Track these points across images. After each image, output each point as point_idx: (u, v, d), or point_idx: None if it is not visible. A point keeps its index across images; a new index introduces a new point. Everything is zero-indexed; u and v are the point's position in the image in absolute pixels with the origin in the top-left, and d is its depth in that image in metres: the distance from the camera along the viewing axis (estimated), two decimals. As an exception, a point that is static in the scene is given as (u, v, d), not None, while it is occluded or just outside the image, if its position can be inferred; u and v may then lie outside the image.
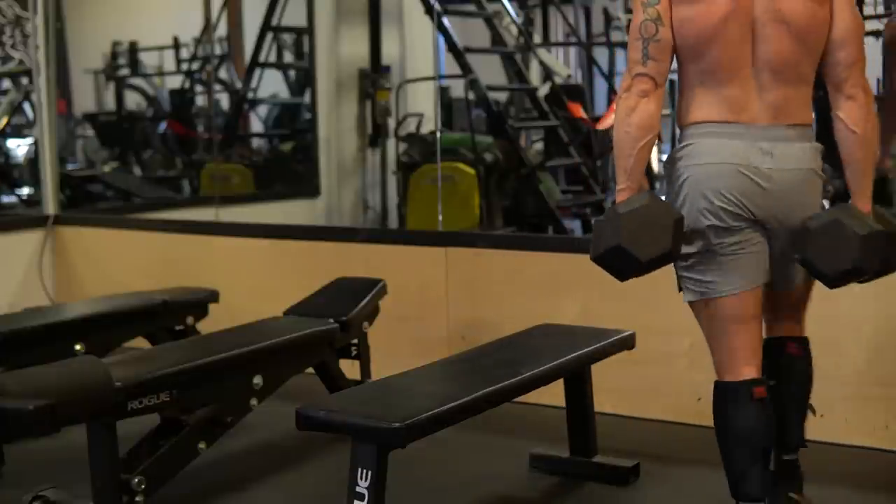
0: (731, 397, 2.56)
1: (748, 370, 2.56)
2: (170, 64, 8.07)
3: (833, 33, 2.57)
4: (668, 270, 2.60)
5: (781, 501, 2.66)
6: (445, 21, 6.49)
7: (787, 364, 2.71)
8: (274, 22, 7.38)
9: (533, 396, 3.14)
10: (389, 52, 7.50)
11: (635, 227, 2.44)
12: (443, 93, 7.41)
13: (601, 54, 9.00)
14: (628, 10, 9.21)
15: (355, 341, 3.81)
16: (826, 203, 2.74)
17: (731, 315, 2.56)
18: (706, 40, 2.53)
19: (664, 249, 2.45)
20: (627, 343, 3.34)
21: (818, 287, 3.51)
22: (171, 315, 4.11)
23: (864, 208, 2.62)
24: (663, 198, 2.63)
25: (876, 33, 5.68)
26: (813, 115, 2.65)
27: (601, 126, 6.93)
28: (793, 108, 2.59)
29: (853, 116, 2.59)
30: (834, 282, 2.58)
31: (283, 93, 8.06)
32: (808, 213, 2.57)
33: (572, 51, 10.07)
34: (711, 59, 2.54)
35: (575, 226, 6.51)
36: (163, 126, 8.04)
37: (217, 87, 7.83)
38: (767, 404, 2.55)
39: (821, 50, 2.57)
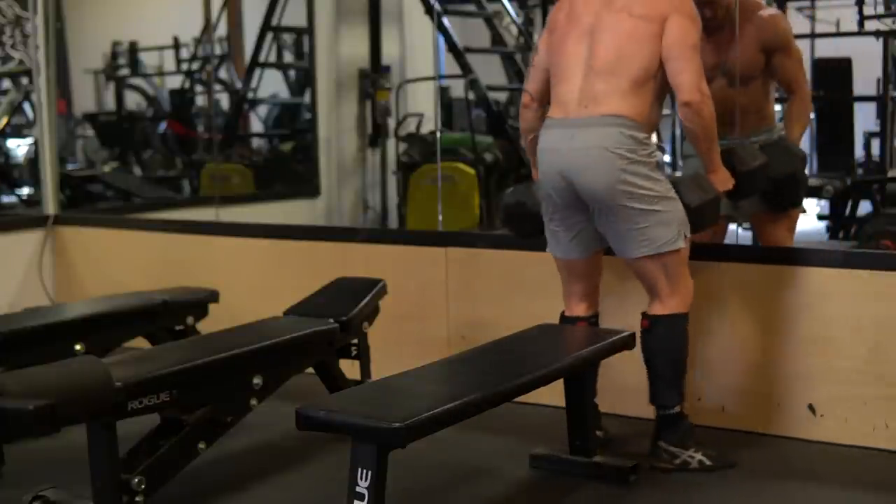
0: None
1: (578, 309, 3.51)
2: (170, 64, 8.07)
3: (663, 50, 3.18)
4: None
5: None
6: (445, 21, 6.49)
7: (641, 338, 3.34)
8: (274, 22, 7.38)
9: (533, 396, 3.14)
10: (389, 52, 7.50)
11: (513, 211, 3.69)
12: (443, 93, 7.41)
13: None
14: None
15: (355, 341, 3.80)
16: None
17: (563, 269, 3.49)
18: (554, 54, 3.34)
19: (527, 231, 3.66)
20: (627, 343, 3.34)
21: (819, 287, 3.53)
22: (171, 315, 4.11)
23: (712, 177, 3.33)
24: None
25: (876, 33, 5.68)
26: (632, 107, 3.18)
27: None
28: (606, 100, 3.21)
29: (685, 118, 3.20)
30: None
31: (283, 93, 8.06)
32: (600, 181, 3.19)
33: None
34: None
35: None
36: (163, 126, 8.04)
37: (217, 87, 7.83)
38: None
39: (642, 56, 3.19)
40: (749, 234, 4.16)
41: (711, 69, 3.59)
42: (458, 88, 7.30)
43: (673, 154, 8.25)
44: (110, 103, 7.91)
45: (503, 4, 7.20)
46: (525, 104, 3.51)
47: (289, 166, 7.64)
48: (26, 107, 6.63)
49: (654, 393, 3.35)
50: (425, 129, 7.10)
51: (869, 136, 6.43)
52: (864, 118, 6.27)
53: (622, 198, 3.16)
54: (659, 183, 3.19)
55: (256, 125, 8.14)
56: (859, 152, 6.38)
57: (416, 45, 7.56)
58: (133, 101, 8.07)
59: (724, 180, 3.34)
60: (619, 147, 3.15)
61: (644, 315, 3.34)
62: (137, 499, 2.90)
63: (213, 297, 4.26)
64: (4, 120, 6.60)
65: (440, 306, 4.29)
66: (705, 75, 3.27)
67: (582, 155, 3.19)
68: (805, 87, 3.91)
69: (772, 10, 4.00)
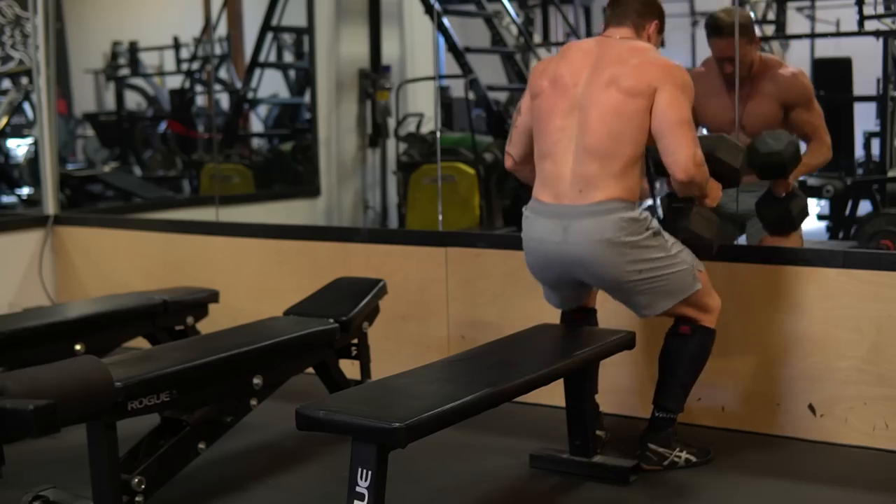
0: None
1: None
2: (170, 64, 8.08)
3: (653, 126, 3.10)
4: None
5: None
6: (445, 21, 6.49)
7: (671, 341, 3.35)
8: (274, 22, 7.38)
9: (533, 396, 3.14)
10: (389, 52, 7.50)
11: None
12: (443, 93, 7.41)
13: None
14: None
15: (355, 341, 3.80)
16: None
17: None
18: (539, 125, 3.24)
19: None
20: (627, 343, 3.34)
21: (818, 287, 3.53)
22: (171, 315, 4.10)
23: (706, 202, 3.29)
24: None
25: (876, 33, 5.68)
26: (626, 188, 3.12)
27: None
28: (599, 185, 3.11)
29: (680, 190, 3.20)
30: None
31: (283, 93, 8.06)
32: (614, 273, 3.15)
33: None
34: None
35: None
36: (163, 126, 8.04)
37: (217, 87, 7.83)
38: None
39: (633, 135, 3.10)
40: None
41: (730, 122, 3.87)
42: (458, 88, 7.30)
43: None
44: (110, 103, 7.91)
45: (503, 4, 7.20)
46: (510, 167, 3.44)
47: (289, 166, 7.64)
48: (26, 107, 6.64)
49: (663, 395, 3.34)
50: (425, 129, 7.10)
51: (869, 136, 6.43)
52: (864, 118, 6.27)
53: (634, 278, 3.14)
54: (664, 248, 3.15)
55: (256, 125, 8.14)
56: (859, 152, 6.39)
57: (416, 45, 7.56)
58: (133, 101, 8.07)
59: (716, 197, 3.31)
60: (620, 234, 3.08)
61: (684, 319, 3.29)
62: (137, 499, 2.90)
63: (213, 297, 4.26)
64: (4, 120, 6.60)
65: (440, 306, 4.29)
66: (723, 127, 3.53)
67: (582, 250, 3.12)
68: (826, 136, 3.99)
69: (793, 69, 4.10)
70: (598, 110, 3.12)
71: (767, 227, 3.87)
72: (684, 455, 3.34)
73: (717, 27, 3.90)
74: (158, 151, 7.89)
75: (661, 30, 3.35)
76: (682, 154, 3.06)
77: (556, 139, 3.17)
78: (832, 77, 6.12)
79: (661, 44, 3.39)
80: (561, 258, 3.18)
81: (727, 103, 3.87)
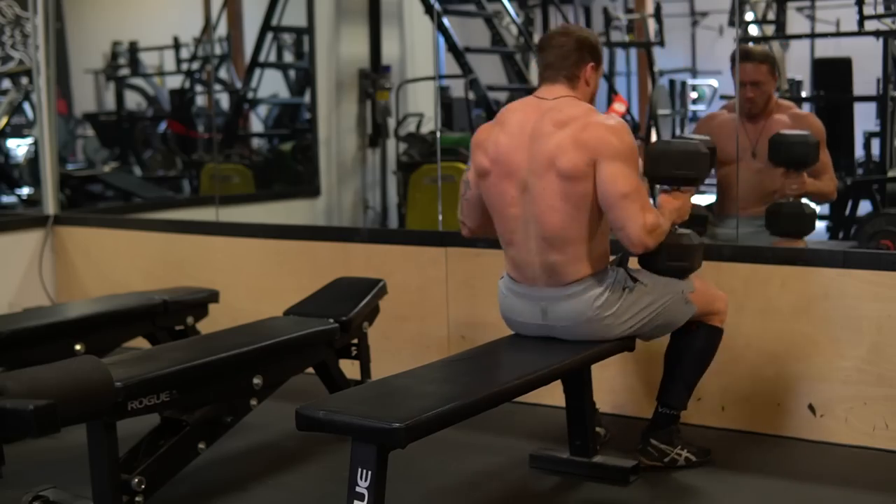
0: None
1: None
2: (170, 64, 8.07)
3: (600, 201, 2.99)
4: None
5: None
6: (445, 21, 6.49)
7: (678, 337, 3.33)
8: (274, 22, 7.37)
9: (533, 396, 3.14)
10: (389, 52, 7.50)
11: None
12: (443, 93, 7.41)
13: (601, 54, 8.96)
14: (629, 10, 9.24)
15: (355, 341, 3.80)
16: None
17: None
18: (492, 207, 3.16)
19: None
20: (627, 343, 3.34)
21: (818, 287, 3.53)
22: (171, 315, 4.11)
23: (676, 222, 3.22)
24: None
25: (876, 33, 5.68)
26: (592, 265, 3.10)
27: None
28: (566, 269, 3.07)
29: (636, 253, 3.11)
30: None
31: (283, 93, 8.06)
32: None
33: (572, 51, 10.05)
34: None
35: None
36: (163, 126, 8.04)
37: (217, 87, 7.83)
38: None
39: (587, 216, 3.02)
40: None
41: (743, 149, 4.08)
42: (458, 88, 7.29)
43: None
44: (110, 103, 7.91)
45: (503, 4, 7.20)
46: (467, 236, 3.39)
47: (289, 166, 7.64)
48: (26, 107, 6.63)
49: (667, 391, 3.34)
50: (425, 129, 7.09)
51: (869, 136, 6.43)
52: (864, 118, 6.26)
53: (626, 332, 3.16)
54: (646, 293, 3.13)
55: (256, 125, 8.14)
56: (859, 152, 6.38)
57: (416, 45, 7.56)
58: (133, 101, 8.06)
59: (684, 211, 3.21)
60: (599, 312, 3.08)
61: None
62: (137, 499, 2.91)
63: (213, 297, 4.26)
64: (4, 120, 6.60)
65: (440, 306, 4.29)
66: (740, 155, 3.67)
67: (566, 325, 3.14)
68: (834, 177, 4.16)
69: (806, 111, 4.44)
70: (545, 200, 3.03)
71: (777, 230, 3.94)
72: (685, 454, 3.35)
73: (748, 54, 4.17)
74: (158, 151, 7.89)
75: (598, 65, 3.17)
76: (632, 228, 2.96)
77: (514, 227, 3.12)
78: (832, 77, 6.11)
79: (605, 76, 3.32)
80: (547, 332, 3.19)
81: (743, 131, 4.09)
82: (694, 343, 3.30)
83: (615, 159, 2.96)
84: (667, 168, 3.21)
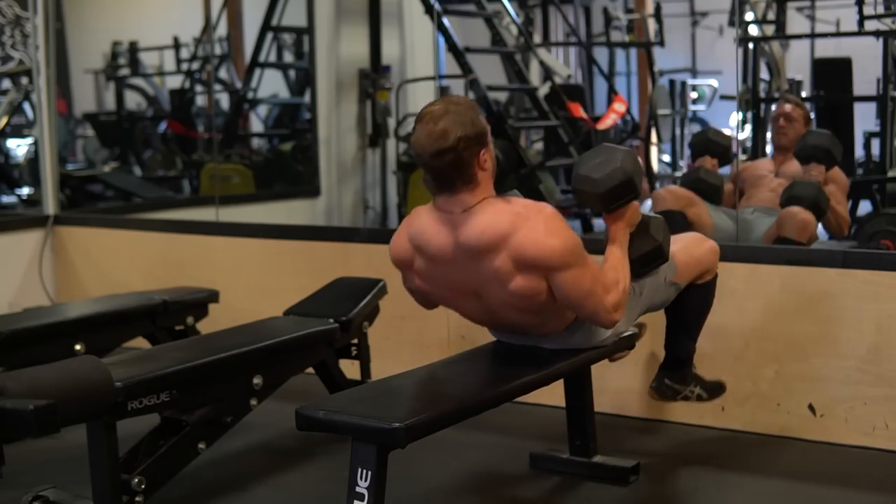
0: None
1: None
2: (170, 64, 8.07)
3: (559, 302, 2.84)
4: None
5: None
6: (445, 21, 6.49)
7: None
8: (274, 22, 7.37)
9: (533, 396, 3.14)
10: (389, 52, 7.49)
11: None
12: (443, 93, 7.40)
13: (601, 54, 8.99)
14: (628, 10, 9.24)
15: (355, 341, 3.80)
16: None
17: None
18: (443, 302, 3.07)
19: None
20: (627, 343, 3.34)
21: (819, 287, 3.53)
22: (171, 315, 4.11)
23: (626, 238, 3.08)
24: None
25: (876, 33, 5.68)
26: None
27: (601, 126, 6.93)
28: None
29: None
30: None
31: (283, 93, 8.06)
32: None
33: (572, 51, 10.08)
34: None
35: (575, 226, 6.51)
36: (163, 126, 8.04)
37: (217, 87, 7.83)
38: None
39: (551, 318, 2.93)
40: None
41: (769, 171, 4.72)
42: (458, 88, 7.29)
43: (672, 154, 8.26)
44: (110, 103, 7.91)
45: (503, 4, 7.19)
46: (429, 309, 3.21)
47: (289, 166, 7.64)
48: (26, 107, 6.63)
49: (674, 343, 3.38)
50: (425, 130, 7.07)
51: (869, 136, 6.43)
52: (864, 118, 6.26)
53: (622, 333, 3.19)
54: (630, 300, 3.04)
55: (256, 125, 8.14)
56: (859, 152, 6.38)
57: (416, 45, 7.56)
58: (133, 101, 8.07)
59: (632, 222, 3.05)
60: (592, 342, 3.07)
61: None
62: (137, 499, 2.91)
63: (213, 297, 4.26)
64: (4, 120, 6.60)
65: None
66: (768, 174, 4.32)
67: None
68: (847, 218, 4.65)
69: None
70: (501, 303, 2.88)
71: (796, 201, 4.25)
72: (697, 391, 3.45)
73: (788, 99, 5.02)
74: (158, 151, 7.89)
75: (488, 144, 2.83)
76: (599, 317, 2.87)
77: (473, 318, 3.05)
78: (832, 77, 6.12)
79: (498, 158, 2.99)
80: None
81: (770, 166, 4.80)
82: (691, 303, 3.31)
83: (566, 266, 2.75)
84: (604, 205, 3.02)
